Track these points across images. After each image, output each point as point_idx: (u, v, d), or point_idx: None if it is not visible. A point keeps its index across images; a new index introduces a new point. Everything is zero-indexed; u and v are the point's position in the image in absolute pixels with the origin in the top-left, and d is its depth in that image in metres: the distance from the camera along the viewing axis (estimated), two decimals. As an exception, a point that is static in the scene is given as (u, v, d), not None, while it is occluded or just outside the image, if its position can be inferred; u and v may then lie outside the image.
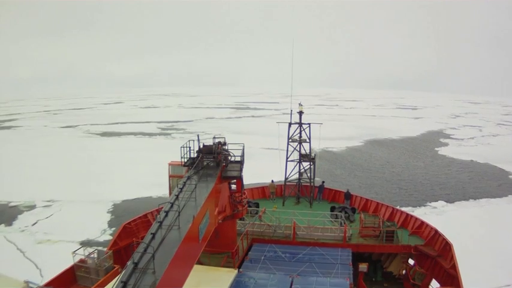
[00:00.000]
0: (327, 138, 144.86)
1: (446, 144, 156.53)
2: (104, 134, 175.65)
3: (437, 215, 73.38)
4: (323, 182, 52.94)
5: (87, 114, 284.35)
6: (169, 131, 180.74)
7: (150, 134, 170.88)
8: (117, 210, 75.92)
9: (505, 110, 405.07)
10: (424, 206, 78.16)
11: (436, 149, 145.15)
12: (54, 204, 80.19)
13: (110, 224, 68.91)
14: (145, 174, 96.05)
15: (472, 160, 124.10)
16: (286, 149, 49.40)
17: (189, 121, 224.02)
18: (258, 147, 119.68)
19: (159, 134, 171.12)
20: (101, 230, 66.49)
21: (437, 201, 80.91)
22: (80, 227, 67.78)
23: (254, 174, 65.98)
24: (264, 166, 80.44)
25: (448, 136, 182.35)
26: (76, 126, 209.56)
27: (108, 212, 74.81)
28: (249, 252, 36.16)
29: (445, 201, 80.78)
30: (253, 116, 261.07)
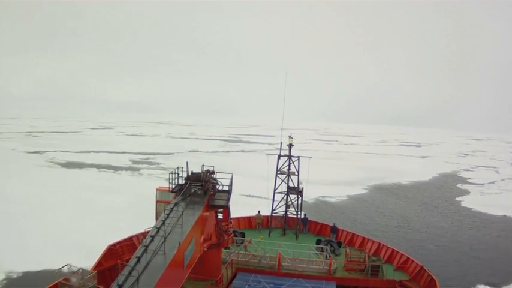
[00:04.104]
0: (324, 182, 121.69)
1: (466, 192, 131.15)
2: (66, 165, 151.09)
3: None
4: (305, 214, 53.18)
5: (66, 139, 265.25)
6: (140, 165, 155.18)
7: (117, 168, 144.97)
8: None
9: (511, 147, 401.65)
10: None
11: (457, 199, 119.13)
12: None
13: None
14: (75, 229, 69.38)
15: (505, 215, 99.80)
16: (274, 180, 50.35)
17: (169, 154, 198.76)
18: (237, 193, 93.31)
19: (127, 169, 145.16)
20: None
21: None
22: None
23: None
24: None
25: (464, 180, 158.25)
26: (44, 152, 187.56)
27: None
28: (233, 281, 36.96)
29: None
30: (243, 151, 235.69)
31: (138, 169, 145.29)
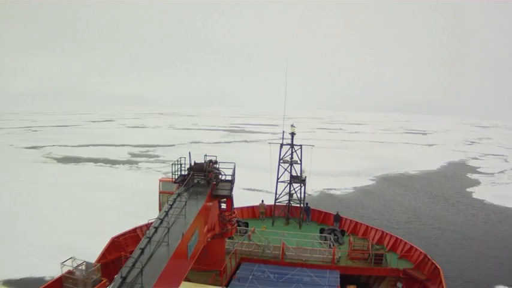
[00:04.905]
0: (329, 173, 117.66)
1: (477, 183, 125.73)
2: (62, 160, 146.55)
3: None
4: (307, 203, 52.73)
5: (65, 133, 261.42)
6: (138, 159, 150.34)
7: (114, 162, 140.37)
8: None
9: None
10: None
11: (468, 190, 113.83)
12: None
13: None
14: (63, 230, 64.47)
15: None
16: (277, 169, 50.09)
17: (170, 145, 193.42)
18: (239, 186, 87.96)
19: (125, 162, 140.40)
20: None
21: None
22: None
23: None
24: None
25: (474, 170, 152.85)
26: (42, 147, 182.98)
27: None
28: (237, 271, 36.68)
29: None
30: (245, 141, 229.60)
31: (136, 162, 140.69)
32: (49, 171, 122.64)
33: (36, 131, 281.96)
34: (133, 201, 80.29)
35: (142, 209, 65.08)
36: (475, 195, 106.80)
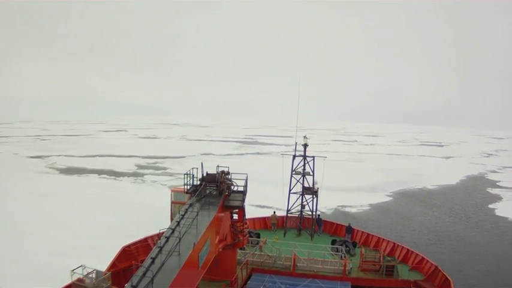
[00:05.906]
0: (344, 188, 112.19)
1: (498, 198, 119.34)
2: (66, 171, 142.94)
3: None
4: (319, 215, 52.45)
5: (74, 143, 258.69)
6: (145, 171, 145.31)
7: (119, 174, 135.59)
8: None
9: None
10: None
11: (490, 206, 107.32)
12: None
13: None
14: (48, 250, 58.71)
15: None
16: (289, 181, 50.22)
17: (180, 157, 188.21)
18: (249, 202, 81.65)
19: (130, 175, 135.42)
20: None
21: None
22: None
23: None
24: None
25: (494, 184, 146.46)
26: (47, 156, 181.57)
27: None
28: (248, 282, 36.85)
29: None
30: (258, 153, 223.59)
31: (142, 175, 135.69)
32: (49, 182, 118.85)
33: (44, 140, 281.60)
34: (129, 219, 75.04)
35: (137, 228, 59.72)
36: (497, 213, 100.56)
